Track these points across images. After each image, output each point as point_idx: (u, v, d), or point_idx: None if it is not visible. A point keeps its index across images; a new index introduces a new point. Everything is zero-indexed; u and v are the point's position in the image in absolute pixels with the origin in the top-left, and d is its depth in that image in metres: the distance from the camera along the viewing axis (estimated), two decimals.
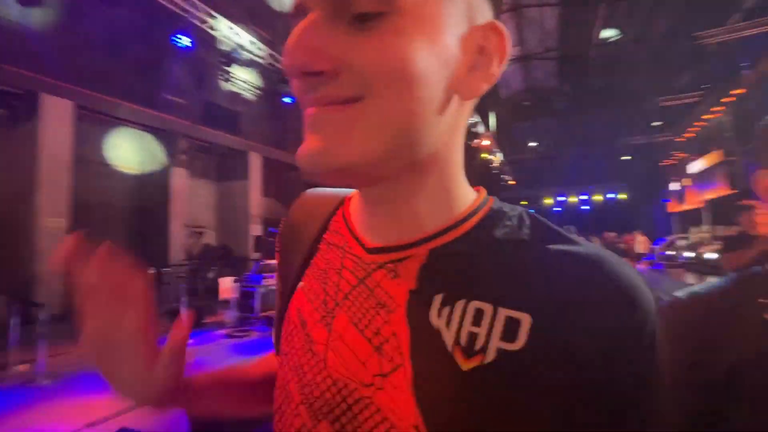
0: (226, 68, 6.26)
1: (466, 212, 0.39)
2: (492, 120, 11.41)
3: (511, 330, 0.33)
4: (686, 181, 13.23)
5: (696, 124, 10.83)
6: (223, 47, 5.51)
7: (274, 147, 8.39)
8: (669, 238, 11.19)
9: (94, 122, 5.15)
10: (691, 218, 12.39)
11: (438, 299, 0.36)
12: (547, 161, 17.97)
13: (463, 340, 0.34)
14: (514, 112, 14.30)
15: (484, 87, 0.35)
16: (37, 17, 4.19)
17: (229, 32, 5.02)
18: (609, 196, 18.95)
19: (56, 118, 4.65)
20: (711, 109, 9.76)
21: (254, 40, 5.46)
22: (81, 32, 4.34)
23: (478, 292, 0.35)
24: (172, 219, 5.98)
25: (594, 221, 15.26)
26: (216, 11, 4.76)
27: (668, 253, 10.00)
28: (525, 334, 0.32)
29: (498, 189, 18.77)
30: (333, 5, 0.31)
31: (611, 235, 10.49)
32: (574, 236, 0.37)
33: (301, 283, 0.44)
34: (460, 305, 0.35)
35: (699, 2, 7.60)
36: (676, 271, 8.30)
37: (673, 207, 14.96)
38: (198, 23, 4.69)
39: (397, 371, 0.35)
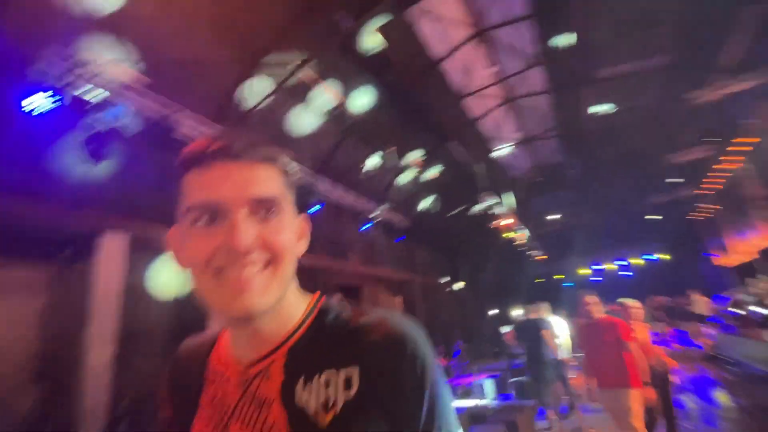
0: None
1: (305, 314, 0.57)
2: (510, 199, 11.66)
3: (349, 382, 0.49)
4: (727, 233, 12.63)
5: (716, 176, 10.78)
6: None
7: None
8: (731, 295, 10.23)
9: (144, 251, 5.59)
10: (743, 270, 11.51)
11: (300, 382, 0.51)
12: (574, 232, 17.72)
13: (322, 403, 0.49)
14: (530, 189, 14.67)
15: (304, 249, 0.59)
16: (101, 167, 4.94)
17: None
18: (648, 258, 18.05)
19: (112, 252, 5.09)
20: (730, 160, 9.81)
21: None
22: (135, 171, 4.96)
23: (325, 365, 0.51)
24: None
25: (638, 286, 14.29)
26: None
27: (735, 311, 9.05)
28: (356, 381, 0.49)
29: (527, 265, 18.23)
30: (250, 211, 0.51)
31: (661, 299, 9.70)
32: (375, 310, 0.56)
33: (196, 416, 0.58)
34: (316, 380, 0.51)
35: (681, 68, 8.24)
36: (753, 331, 7.40)
37: (720, 260, 14.03)
38: None
39: None
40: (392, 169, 9.79)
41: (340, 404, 0.48)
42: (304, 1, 5.85)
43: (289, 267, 0.54)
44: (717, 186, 11.65)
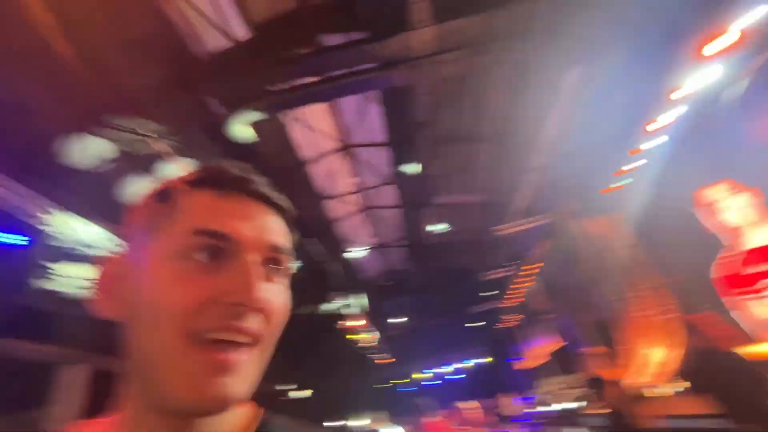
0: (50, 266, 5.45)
1: (245, 429, 0.46)
2: (363, 300, 12.03)
3: None
4: (531, 338, 15.37)
5: (517, 292, 13.49)
6: (64, 244, 4.95)
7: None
8: (535, 396, 12.03)
9: None
10: (543, 371, 13.92)
11: None
12: (417, 336, 18.95)
13: None
14: (381, 292, 15.53)
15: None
16: None
17: (79, 227, 4.65)
18: (477, 361, 20.25)
19: None
20: (524, 279, 12.47)
21: (109, 235, 5.13)
22: None
23: None
24: None
25: (470, 388, 15.72)
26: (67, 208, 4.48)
27: (540, 409, 10.58)
28: None
29: (373, 370, 18.22)
30: (261, 259, 0.42)
31: (472, 404, 10.72)
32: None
33: None
34: None
35: (491, 206, 10.70)
36: (554, 428, 8.66)
37: (524, 364, 16.74)
38: (36, 221, 4.25)
39: None
40: None
41: None
42: (176, 75, 5.71)
43: (271, 351, 0.43)
44: (517, 300, 14.54)
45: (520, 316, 15.89)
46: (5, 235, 4.20)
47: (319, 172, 9.65)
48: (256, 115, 6.69)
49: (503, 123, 8.18)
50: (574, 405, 8.76)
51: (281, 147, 8.30)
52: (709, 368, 2.61)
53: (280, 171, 8.35)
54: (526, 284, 12.76)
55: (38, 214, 4.33)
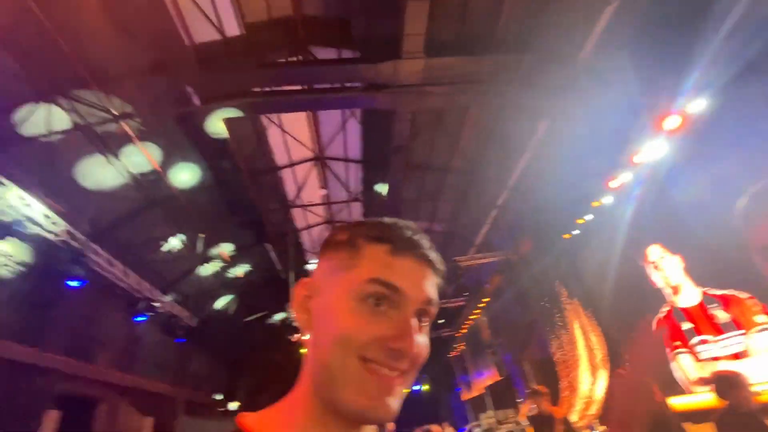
0: None
1: None
2: None
3: None
4: (472, 370, 15.62)
5: (466, 322, 13.78)
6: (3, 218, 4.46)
7: (20, 342, 6.06)
8: (468, 427, 12.16)
9: None
10: (479, 404, 14.17)
11: None
12: None
13: None
14: None
15: None
16: None
17: (17, 202, 4.21)
18: (414, 388, 20.20)
19: None
20: (473, 312, 12.78)
21: (49, 213, 4.69)
22: None
23: None
24: None
25: (407, 414, 15.55)
26: (8, 178, 4.06)
27: None
28: None
29: None
30: (416, 313, 0.50)
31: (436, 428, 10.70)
32: None
33: None
34: None
35: (453, 237, 11.00)
36: None
37: (464, 395, 16.97)
38: None
39: None
40: (193, 258, 8.70)
41: None
42: (152, 58, 5.49)
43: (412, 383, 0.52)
44: (464, 330, 14.86)
45: (465, 347, 16.22)
46: None
47: (289, 180, 9.51)
48: (232, 112, 6.54)
49: (474, 159, 8.57)
50: None
51: (254, 148, 8.13)
52: (629, 417, 2.82)
53: (250, 173, 8.15)
54: (474, 316, 13.11)
55: None
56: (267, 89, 6.35)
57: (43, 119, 4.81)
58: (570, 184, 6.73)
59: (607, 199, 6.04)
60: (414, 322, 0.49)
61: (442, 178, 9.35)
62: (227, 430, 0.50)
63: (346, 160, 9.52)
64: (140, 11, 5.05)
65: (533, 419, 3.23)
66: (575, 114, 6.10)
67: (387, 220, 0.56)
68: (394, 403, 0.47)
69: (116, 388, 7.62)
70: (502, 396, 12.38)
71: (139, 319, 7.40)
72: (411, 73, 6.00)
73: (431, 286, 0.52)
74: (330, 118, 8.46)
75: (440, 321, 16.15)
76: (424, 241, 0.54)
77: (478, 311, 12.93)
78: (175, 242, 8.05)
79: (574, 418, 7.10)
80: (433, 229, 11.09)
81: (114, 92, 5.46)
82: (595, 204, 6.27)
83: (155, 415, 8.71)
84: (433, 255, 0.55)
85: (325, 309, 0.51)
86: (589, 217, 6.56)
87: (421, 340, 0.50)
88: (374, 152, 8.86)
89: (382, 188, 9.44)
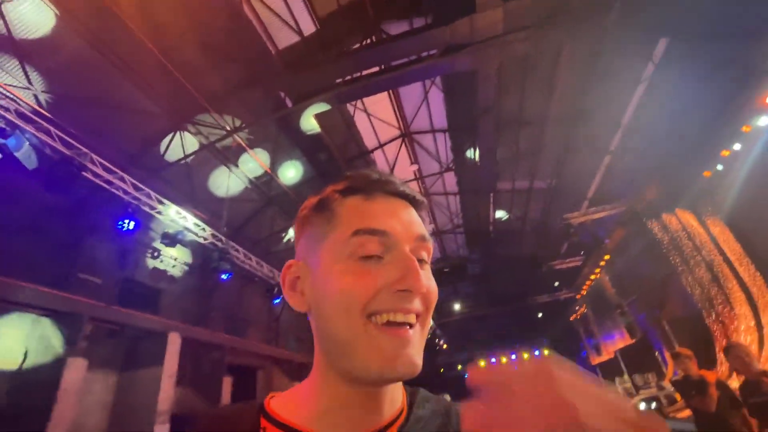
0: (157, 247, 6.26)
1: (403, 393, 0.52)
2: None
3: None
4: (598, 333, 14.46)
5: (586, 282, 12.69)
6: (168, 230, 5.66)
7: (195, 325, 7.72)
8: None
9: None
10: (612, 369, 13.10)
11: None
12: (473, 323, 18.73)
13: None
14: (437, 278, 15.50)
15: None
16: None
17: (176, 216, 5.30)
18: (536, 353, 19.58)
19: None
20: (593, 272, 11.69)
21: (198, 222, 5.77)
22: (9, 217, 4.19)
23: None
24: (53, 427, 4.66)
25: None
26: (166, 198, 5.13)
27: None
28: None
29: (433, 354, 18.40)
30: (411, 250, 0.47)
31: None
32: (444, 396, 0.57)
33: None
34: None
35: (559, 193, 10.12)
36: None
37: (593, 359, 15.84)
38: (147, 209, 4.92)
39: None
40: None
41: None
42: (246, 73, 6.12)
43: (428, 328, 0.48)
44: (583, 292, 13.72)
45: (586, 309, 15.02)
46: (121, 221, 4.88)
47: (381, 161, 9.80)
48: (321, 107, 6.96)
49: (575, 103, 7.65)
50: (643, 406, 8.20)
51: (345, 136, 8.56)
52: None
53: (345, 161, 8.64)
54: (594, 276, 12.00)
55: (146, 204, 4.99)
56: (348, 78, 6.58)
57: (179, 145, 5.83)
58: (703, 110, 5.56)
59: (763, 121, 4.81)
60: (413, 257, 0.45)
61: (539, 131, 8.58)
62: (256, 407, 0.50)
63: (433, 131, 9.39)
64: (231, 35, 5.65)
65: (678, 384, 2.85)
66: (689, 39, 4.95)
67: (349, 172, 0.52)
68: (415, 354, 0.43)
69: (268, 359, 9.09)
70: (637, 360, 11.25)
71: (276, 301, 8.64)
72: (490, 24, 5.56)
73: (417, 220, 0.49)
74: (411, 91, 8.39)
75: (555, 284, 15.16)
76: (394, 179, 0.51)
77: (598, 270, 11.80)
78: (292, 233, 9.10)
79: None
80: (535, 187, 10.34)
81: (224, 111, 6.29)
82: (745, 129, 5.05)
83: (300, 380, 10.23)
84: (408, 189, 0.51)
85: (319, 281, 0.47)
86: (737, 146, 5.36)
87: (427, 276, 0.47)
88: (461, 118, 8.56)
89: (474, 153, 9.12)
